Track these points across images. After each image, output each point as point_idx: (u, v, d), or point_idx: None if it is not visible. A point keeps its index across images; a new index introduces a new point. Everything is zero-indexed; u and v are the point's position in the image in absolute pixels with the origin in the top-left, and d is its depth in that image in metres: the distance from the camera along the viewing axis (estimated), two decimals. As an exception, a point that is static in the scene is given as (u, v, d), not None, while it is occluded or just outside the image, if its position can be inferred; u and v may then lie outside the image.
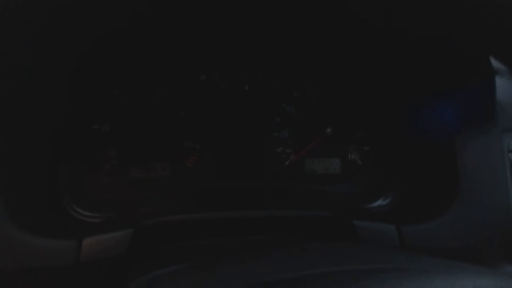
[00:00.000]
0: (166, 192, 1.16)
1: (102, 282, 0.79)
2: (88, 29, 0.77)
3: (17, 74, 0.75)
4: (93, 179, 1.12)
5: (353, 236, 0.87)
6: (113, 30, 0.83)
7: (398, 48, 0.91)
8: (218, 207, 0.98)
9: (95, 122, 1.13)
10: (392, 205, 1.07)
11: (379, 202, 1.11)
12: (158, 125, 1.16)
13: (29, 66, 0.75)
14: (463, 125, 0.90)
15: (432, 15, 0.66)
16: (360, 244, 0.82)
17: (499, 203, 0.87)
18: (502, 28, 0.62)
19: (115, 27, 0.80)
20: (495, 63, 0.84)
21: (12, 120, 0.78)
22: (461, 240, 0.86)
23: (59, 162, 1.01)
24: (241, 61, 1.19)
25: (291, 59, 1.17)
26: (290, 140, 1.23)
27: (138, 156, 1.16)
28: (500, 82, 0.87)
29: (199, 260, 0.71)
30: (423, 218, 0.89)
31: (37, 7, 0.61)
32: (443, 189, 0.92)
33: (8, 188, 0.76)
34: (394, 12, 0.68)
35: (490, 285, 0.43)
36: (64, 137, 1.02)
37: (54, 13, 0.65)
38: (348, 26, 0.83)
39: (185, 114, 1.18)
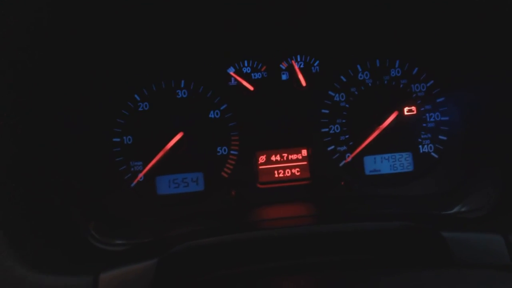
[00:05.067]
0: (201, 210, 1.07)
1: None
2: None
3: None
4: (116, 199, 1.05)
5: (446, 254, 0.71)
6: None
7: None
8: (265, 225, 0.88)
9: (114, 134, 1.08)
10: (490, 208, 0.90)
11: (470, 205, 0.94)
12: (186, 131, 1.08)
13: None
14: None
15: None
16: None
17: None
18: None
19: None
20: None
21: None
22: None
23: (73, 184, 0.95)
24: (275, 44, 1.09)
25: (333, 34, 1.05)
26: (342, 135, 1.10)
27: (166, 169, 1.08)
28: None
29: None
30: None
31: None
32: None
33: (10, 220, 0.70)
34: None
35: None
36: (76, 155, 0.97)
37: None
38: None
39: (216, 115, 1.10)
